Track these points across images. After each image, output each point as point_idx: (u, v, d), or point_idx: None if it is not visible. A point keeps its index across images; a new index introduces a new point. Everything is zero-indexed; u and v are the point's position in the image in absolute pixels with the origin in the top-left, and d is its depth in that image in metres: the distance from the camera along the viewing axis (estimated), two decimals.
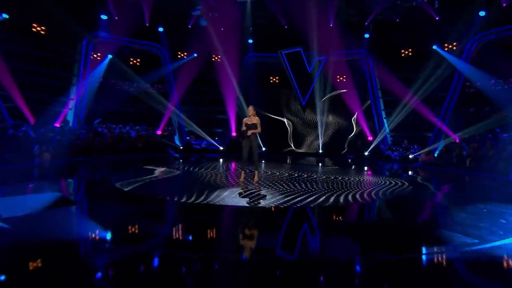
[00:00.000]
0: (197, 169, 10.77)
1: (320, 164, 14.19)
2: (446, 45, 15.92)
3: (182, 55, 19.54)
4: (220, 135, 19.90)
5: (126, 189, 6.96)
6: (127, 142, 15.59)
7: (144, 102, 18.12)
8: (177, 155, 16.82)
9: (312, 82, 18.86)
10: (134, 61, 18.46)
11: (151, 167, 11.16)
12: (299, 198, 6.37)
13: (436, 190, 8.66)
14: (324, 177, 9.64)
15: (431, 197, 7.66)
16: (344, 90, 17.63)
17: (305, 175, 9.73)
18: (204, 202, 5.87)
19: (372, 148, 16.51)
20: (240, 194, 6.65)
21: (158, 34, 18.44)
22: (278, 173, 10.12)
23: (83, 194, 7.12)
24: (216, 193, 6.65)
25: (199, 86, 19.33)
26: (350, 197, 6.66)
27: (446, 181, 10.17)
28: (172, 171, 10.35)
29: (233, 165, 12.70)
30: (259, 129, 7.55)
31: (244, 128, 7.51)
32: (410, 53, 17.17)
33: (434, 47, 16.02)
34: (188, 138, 18.72)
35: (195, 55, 19.03)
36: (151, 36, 18.19)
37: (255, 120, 7.56)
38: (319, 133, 18.51)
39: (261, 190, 7.09)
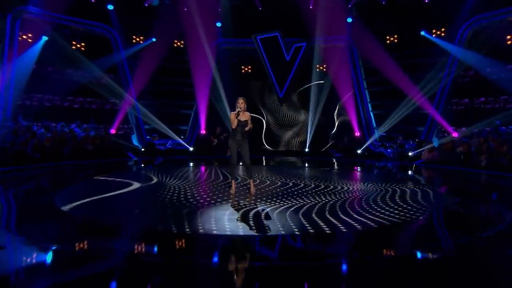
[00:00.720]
0: (167, 178, 8.87)
1: (307, 166, 12.62)
2: (434, 31, 15.04)
3: (138, 39, 16.90)
4: (186, 133, 17.61)
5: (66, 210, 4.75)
6: (73, 145, 12.79)
7: (93, 94, 15.30)
8: (137, 158, 14.32)
9: (290, 72, 17.15)
10: (78, 45, 15.49)
11: (106, 177, 8.81)
12: (323, 216, 4.88)
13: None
14: (326, 184, 8.13)
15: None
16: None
17: (309, 183, 8.25)
18: (188, 231, 4.27)
19: (365, 146, 15.20)
20: (235, 214, 5.20)
21: (107, 13, 15.65)
22: (268, 181, 8.49)
23: (14, 228, 4.77)
24: (201, 214, 5.09)
25: (163, 76, 17.04)
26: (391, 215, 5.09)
27: (491, 189, 8.44)
28: (135, 182, 8.23)
29: (212, 170, 10.66)
30: (250, 126, 6.39)
31: (234, 126, 6.32)
32: (396, 40, 16.08)
33: (422, 33, 15.08)
34: (149, 137, 16.20)
35: (154, 40, 16.52)
36: (99, 15, 15.42)
37: (247, 115, 6.37)
38: (308, 130, 16.91)
39: (262, 205, 5.80)
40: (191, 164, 13.37)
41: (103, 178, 8.95)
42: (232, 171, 6.59)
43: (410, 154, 13.34)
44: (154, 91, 16.87)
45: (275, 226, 4.52)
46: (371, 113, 16.61)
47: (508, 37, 13.22)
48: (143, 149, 15.18)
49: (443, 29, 15.26)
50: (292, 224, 4.64)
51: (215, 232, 4.25)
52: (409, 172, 11.19)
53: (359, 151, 15.17)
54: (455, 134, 13.49)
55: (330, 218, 4.94)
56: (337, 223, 4.70)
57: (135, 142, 15.95)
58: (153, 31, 16.40)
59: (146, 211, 5.64)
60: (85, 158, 12.76)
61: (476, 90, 13.57)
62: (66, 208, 5.46)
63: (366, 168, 12.43)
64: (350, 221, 4.79)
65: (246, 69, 18.78)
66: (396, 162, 13.68)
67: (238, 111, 6.21)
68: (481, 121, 12.53)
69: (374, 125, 16.47)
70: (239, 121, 6.25)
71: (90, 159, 12.95)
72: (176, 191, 6.94)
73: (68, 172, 10.56)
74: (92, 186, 7.88)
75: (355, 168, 12.34)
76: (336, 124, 17.18)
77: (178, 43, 17.75)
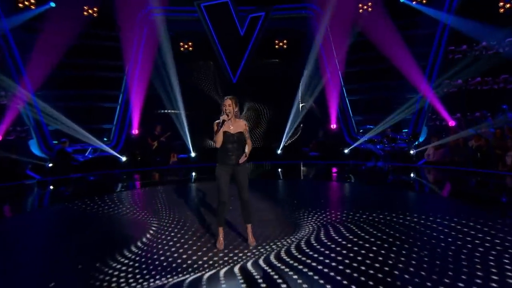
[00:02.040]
0: (102, 212, 5.88)
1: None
2: None
3: (26, 3, 12.52)
4: (111, 135, 14.10)
5: None
6: None
7: None
8: (40, 178, 10.46)
9: (246, 50, 14.50)
10: None
11: None
12: None
13: None
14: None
15: None
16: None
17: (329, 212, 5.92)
18: None
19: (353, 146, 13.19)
20: None
21: None
22: (267, 211, 6.10)
23: None
24: None
25: (76, 57, 13.19)
26: None
27: None
28: (41, 229, 5.39)
29: (171, 199, 7.68)
30: (249, 144, 4.52)
31: (218, 143, 4.37)
32: (370, 9, 14.18)
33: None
34: (56, 143, 12.14)
35: (52, 4, 12.41)
36: None
37: (242, 125, 4.46)
38: (288, 126, 14.29)
39: (271, 272, 3.78)
40: (127, 183, 10.07)
41: None
42: (219, 213, 4.46)
43: (411, 152, 11.60)
44: (62, 78, 12.87)
45: None
46: (347, 100, 14.63)
47: (501, 4, 12.01)
48: (50, 164, 11.18)
49: None
50: None
51: None
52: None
53: (346, 151, 13.06)
54: (452, 123, 12.12)
55: None
56: None
57: (35, 150, 11.83)
58: None
59: None
60: None
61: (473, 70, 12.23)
62: None
63: (363, 174, 10.46)
64: None
65: (186, 46, 15.43)
66: (388, 162, 11.85)
67: (224, 120, 4.24)
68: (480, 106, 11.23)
69: (351, 114, 14.59)
70: (227, 134, 4.31)
71: None
72: (124, 240, 4.22)
73: None
74: None
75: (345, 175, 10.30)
76: (302, 113, 14.92)
77: (90, 11, 13.71)
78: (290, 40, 15.28)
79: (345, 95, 14.69)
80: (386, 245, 4.41)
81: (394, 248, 4.31)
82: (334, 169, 11.81)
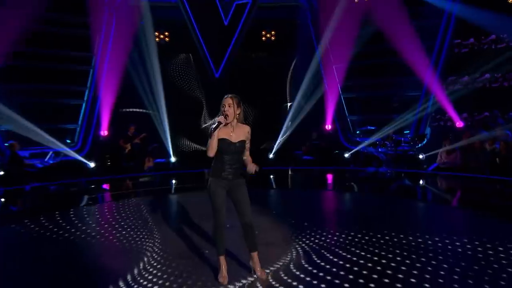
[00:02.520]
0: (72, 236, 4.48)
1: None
2: None
3: None
4: (75, 136, 12.67)
5: None
6: None
7: None
8: None
9: (230, 42, 13.56)
10: None
11: None
12: None
13: None
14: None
15: None
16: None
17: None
18: None
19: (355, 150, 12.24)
20: None
21: None
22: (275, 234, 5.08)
23: None
24: None
25: (34, 46, 11.67)
26: None
27: None
28: None
29: (157, 220, 6.48)
30: (247, 157, 3.80)
31: (211, 153, 3.58)
32: None
33: None
34: (6, 145, 10.53)
35: None
36: None
37: (244, 131, 3.71)
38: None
39: None
40: (94, 194, 8.75)
41: None
42: (217, 240, 3.68)
43: (420, 156, 10.72)
44: (17, 70, 11.39)
45: None
46: (342, 97, 13.69)
47: None
48: (1, 172, 9.61)
49: None
50: None
51: None
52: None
53: (346, 155, 12.04)
54: (460, 124, 11.36)
55: None
56: None
57: None
58: None
59: None
60: None
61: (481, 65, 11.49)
62: None
63: (363, 182, 9.57)
64: None
65: (162, 36, 14.06)
66: (391, 167, 10.93)
67: (219, 123, 3.53)
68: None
69: (347, 113, 13.69)
70: (227, 142, 3.59)
71: None
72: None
73: None
74: None
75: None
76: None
77: None
78: (279, 32, 14.28)
79: (340, 92, 13.71)
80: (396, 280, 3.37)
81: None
82: (330, 176, 10.82)
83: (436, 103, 11.64)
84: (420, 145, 11.73)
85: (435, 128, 12.26)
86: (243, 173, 3.66)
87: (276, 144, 12.95)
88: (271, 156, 12.76)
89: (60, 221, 5.88)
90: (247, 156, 3.75)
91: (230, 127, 3.57)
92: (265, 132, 12.97)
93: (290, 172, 11.08)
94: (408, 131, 12.48)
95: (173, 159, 12.18)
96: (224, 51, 13.57)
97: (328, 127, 13.33)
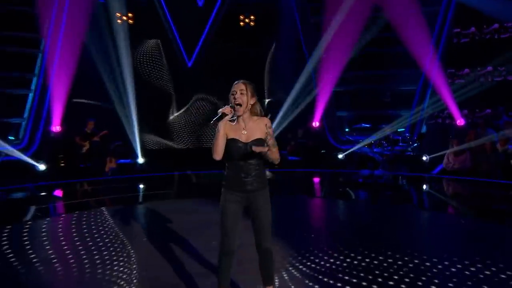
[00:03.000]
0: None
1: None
2: None
3: None
4: (20, 132, 11.51)
5: None
6: None
7: None
8: None
9: (205, 27, 12.86)
10: None
11: None
12: None
13: None
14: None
15: None
16: None
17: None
18: None
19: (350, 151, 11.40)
20: None
21: None
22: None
23: None
24: None
25: None
26: None
27: None
28: None
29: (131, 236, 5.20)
30: (275, 154, 2.86)
31: (218, 156, 2.88)
32: None
33: None
34: None
35: None
36: None
37: (262, 125, 2.91)
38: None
39: None
40: (44, 204, 7.45)
41: None
42: (222, 269, 2.98)
43: (424, 158, 9.96)
44: None
45: None
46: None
47: None
48: None
49: None
50: None
51: None
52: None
53: (340, 156, 11.11)
54: (461, 122, 10.80)
55: None
56: None
57: None
58: None
59: None
60: None
61: (482, 57, 11.06)
62: None
63: (357, 187, 8.70)
64: None
65: (125, 18, 12.66)
66: (388, 170, 10.11)
67: (224, 114, 2.82)
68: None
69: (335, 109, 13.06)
70: (238, 144, 2.87)
71: None
72: None
73: None
74: None
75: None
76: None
77: None
78: (259, 17, 13.31)
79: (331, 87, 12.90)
80: None
81: None
82: (317, 180, 9.80)
83: (439, 101, 11.03)
84: (416, 144, 11.06)
85: (432, 125, 11.69)
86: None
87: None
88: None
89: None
90: (274, 152, 2.84)
91: (242, 123, 2.89)
92: None
93: (269, 175, 9.93)
94: (403, 129, 11.82)
95: (140, 160, 10.86)
96: (198, 37, 12.81)
97: (316, 124, 12.40)
